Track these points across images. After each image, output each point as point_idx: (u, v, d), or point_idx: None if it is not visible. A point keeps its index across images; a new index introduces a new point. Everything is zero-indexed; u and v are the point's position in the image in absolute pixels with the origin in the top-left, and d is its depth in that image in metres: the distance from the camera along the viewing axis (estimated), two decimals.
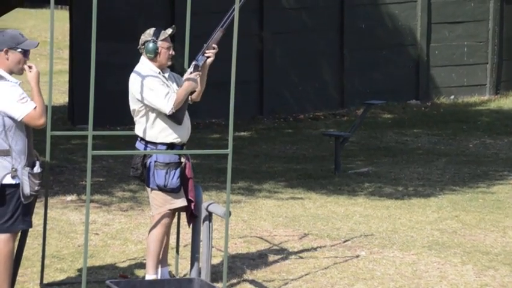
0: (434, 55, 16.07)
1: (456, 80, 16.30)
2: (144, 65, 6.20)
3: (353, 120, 13.94)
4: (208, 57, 6.21)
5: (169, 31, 6.15)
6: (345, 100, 15.37)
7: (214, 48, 6.21)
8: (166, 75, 6.24)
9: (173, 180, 6.16)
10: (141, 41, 6.18)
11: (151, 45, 6.12)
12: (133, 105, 6.21)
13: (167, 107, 6.07)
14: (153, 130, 6.17)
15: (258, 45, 14.84)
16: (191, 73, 6.20)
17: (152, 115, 6.16)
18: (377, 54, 15.60)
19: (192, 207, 6.31)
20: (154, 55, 6.14)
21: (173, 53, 6.23)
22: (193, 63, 6.24)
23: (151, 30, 6.17)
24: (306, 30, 15.12)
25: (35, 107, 5.55)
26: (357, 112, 14.66)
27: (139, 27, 14.45)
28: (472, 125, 14.17)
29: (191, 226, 6.41)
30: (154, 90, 6.09)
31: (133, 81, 6.17)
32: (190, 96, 6.25)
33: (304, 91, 15.14)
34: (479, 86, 16.48)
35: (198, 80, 6.20)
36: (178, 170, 6.18)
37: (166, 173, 6.14)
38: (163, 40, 6.15)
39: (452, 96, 16.23)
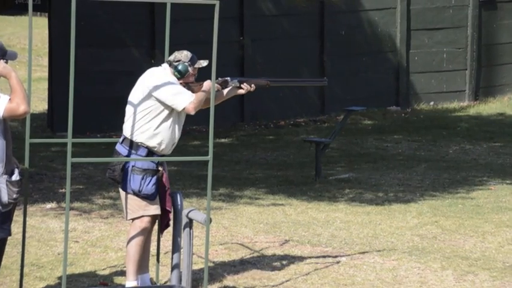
0: (414, 61, 16.13)
1: (435, 86, 16.37)
2: (166, 72, 6.28)
3: (333, 126, 13.96)
4: (240, 87, 6.44)
5: (203, 63, 6.31)
6: (325, 106, 15.41)
7: (251, 87, 6.44)
8: None
9: (149, 186, 6.19)
10: (175, 57, 6.27)
11: (182, 66, 6.26)
12: (139, 101, 6.17)
13: (191, 104, 6.13)
14: (147, 132, 6.17)
15: (239, 51, 14.85)
16: (218, 83, 6.35)
17: (153, 114, 6.16)
18: (357, 60, 15.65)
19: (170, 217, 6.33)
20: (181, 76, 6.28)
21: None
22: (227, 78, 6.42)
23: (189, 54, 6.30)
24: (286, 37, 15.14)
25: (9, 99, 5.42)
26: (337, 118, 14.69)
27: (118, 35, 14.55)
28: (452, 130, 14.23)
29: (172, 233, 6.41)
30: (176, 88, 6.15)
31: (151, 77, 6.21)
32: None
33: (285, 97, 15.15)
34: (459, 92, 16.55)
35: (222, 92, 6.39)
36: (155, 177, 6.21)
37: (142, 178, 6.18)
38: (194, 68, 6.33)
39: (432, 102, 16.29)
